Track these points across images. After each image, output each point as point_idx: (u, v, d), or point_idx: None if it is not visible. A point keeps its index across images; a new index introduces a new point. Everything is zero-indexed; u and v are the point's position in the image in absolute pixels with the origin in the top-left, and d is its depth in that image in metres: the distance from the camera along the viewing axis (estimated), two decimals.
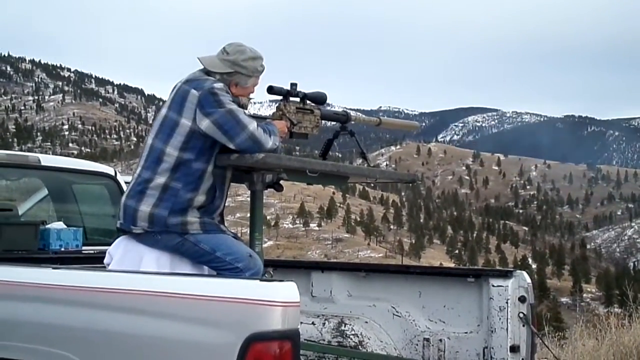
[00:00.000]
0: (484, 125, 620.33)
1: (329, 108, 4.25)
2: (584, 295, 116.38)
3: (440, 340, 4.38)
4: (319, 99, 4.05)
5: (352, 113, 4.50)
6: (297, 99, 3.99)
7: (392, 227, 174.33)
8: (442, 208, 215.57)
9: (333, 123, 4.31)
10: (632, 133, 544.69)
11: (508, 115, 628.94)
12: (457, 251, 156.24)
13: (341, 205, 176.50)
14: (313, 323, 4.73)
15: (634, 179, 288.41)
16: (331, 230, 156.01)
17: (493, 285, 4.21)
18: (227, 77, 3.70)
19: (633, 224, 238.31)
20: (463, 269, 5.25)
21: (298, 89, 3.97)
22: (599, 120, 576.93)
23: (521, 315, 4.20)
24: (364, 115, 4.65)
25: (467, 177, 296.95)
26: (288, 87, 3.94)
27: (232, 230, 3.81)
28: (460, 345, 4.34)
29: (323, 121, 4.13)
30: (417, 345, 4.47)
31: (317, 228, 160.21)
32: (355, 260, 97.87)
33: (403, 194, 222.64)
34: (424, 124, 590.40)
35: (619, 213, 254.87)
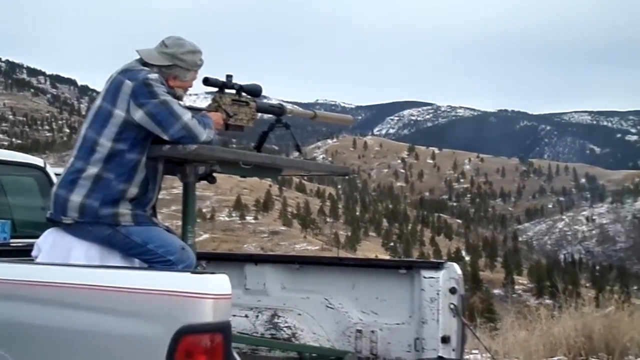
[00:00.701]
0: (419, 119, 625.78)
1: (265, 100, 4.25)
2: (516, 287, 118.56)
3: (373, 331, 4.41)
4: (255, 91, 4.05)
5: (288, 106, 4.51)
6: (233, 91, 3.98)
7: (328, 219, 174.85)
8: (377, 201, 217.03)
9: (269, 115, 4.32)
10: (562, 128, 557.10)
11: (443, 109, 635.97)
12: (392, 244, 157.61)
13: (278, 198, 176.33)
14: (246, 316, 4.72)
15: (565, 173, 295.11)
16: (267, 223, 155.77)
17: (424, 277, 4.25)
18: (166, 70, 3.68)
19: (564, 217, 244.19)
20: (395, 261, 5.30)
21: (234, 81, 3.96)
22: (531, 115, 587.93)
23: (452, 306, 4.25)
24: (299, 108, 4.67)
25: (402, 171, 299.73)
26: (224, 79, 3.93)
27: (166, 223, 3.79)
28: (392, 336, 4.38)
29: (259, 114, 4.13)
30: (349, 336, 4.49)
31: (253, 221, 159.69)
32: (291, 253, 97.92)
33: (339, 186, 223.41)
34: (360, 117, 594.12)
35: (550, 206, 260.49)
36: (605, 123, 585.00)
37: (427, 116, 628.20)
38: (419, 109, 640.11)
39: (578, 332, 7.64)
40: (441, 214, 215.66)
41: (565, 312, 8.37)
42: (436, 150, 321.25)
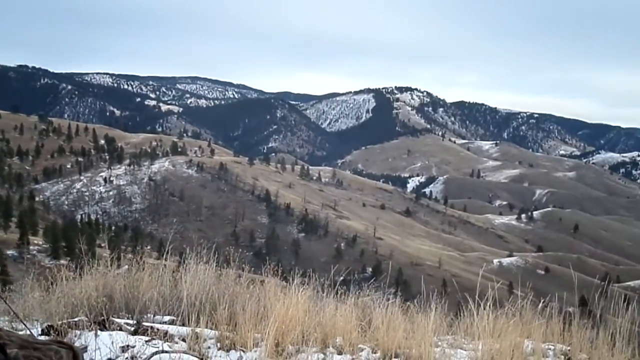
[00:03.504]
0: None
1: None
2: (31, 247, 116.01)
3: None
4: None
5: None
6: None
7: None
8: None
9: None
10: (83, 88, 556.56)
11: None
12: None
13: None
14: None
15: (85, 133, 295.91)
16: None
17: None
18: None
19: (82, 177, 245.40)
20: None
21: None
22: (52, 73, 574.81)
23: None
24: None
25: None
26: None
27: None
28: None
29: None
30: None
31: None
32: None
33: None
34: None
35: (69, 166, 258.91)
36: (125, 86, 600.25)
37: None
38: None
39: (99, 293, 7.72)
40: None
41: (87, 274, 8.37)
42: None
